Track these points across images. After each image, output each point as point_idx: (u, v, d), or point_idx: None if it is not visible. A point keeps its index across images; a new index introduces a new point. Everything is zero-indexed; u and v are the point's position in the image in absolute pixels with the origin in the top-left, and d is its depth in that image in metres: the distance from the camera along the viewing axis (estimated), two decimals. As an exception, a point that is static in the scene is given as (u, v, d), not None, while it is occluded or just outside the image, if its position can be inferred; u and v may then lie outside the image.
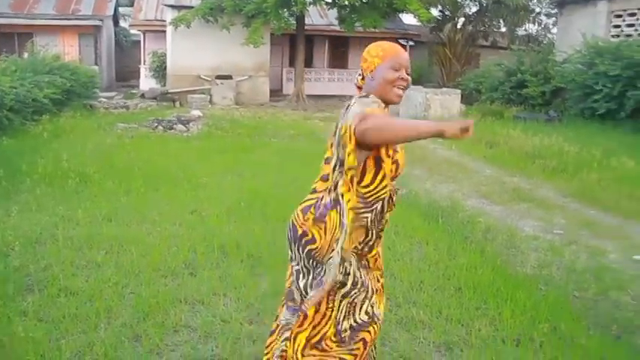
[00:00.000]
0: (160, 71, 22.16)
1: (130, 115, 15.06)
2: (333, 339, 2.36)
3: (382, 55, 2.34)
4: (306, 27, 21.20)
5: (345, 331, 2.36)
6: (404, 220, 5.60)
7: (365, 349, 2.40)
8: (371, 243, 2.39)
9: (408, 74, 2.35)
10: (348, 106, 2.25)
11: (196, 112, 14.64)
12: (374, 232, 2.38)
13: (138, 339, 3.36)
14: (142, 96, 18.98)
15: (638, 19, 14.80)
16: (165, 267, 4.44)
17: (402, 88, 2.33)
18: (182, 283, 4.18)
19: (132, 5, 26.64)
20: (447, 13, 25.72)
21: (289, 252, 2.46)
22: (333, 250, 2.26)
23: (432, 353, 3.34)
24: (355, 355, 2.38)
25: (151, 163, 8.37)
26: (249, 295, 3.95)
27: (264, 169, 8.31)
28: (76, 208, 5.91)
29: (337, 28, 21.55)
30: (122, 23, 29.61)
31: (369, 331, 2.40)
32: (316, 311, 2.35)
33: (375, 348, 2.63)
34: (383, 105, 2.31)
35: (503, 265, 4.79)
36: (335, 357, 2.37)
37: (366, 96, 2.30)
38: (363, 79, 2.41)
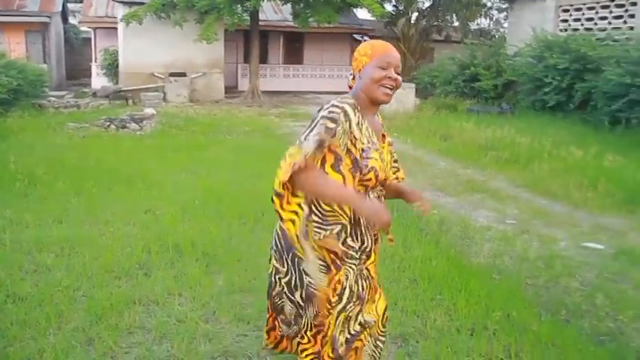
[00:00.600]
0: (112, 69, 21.68)
1: (81, 114, 14.70)
2: (331, 355, 2.32)
3: (370, 54, 2.28)
4: (260, 23, 21.09)
5: (342, 345, 2.33)
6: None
7: (357, 354, 2.41)
8: (368, 249, 2.34)
9: (397, 73, 2.28)
10: (321, 108, 2.21)
11: (150, 111, 14.39)
12: (369, 237, 2.33)
13: (91, 343, 3.28)
14: (94, 95, 18.53)
15: (583, 14, 15.20)
16: (119, 268, 4.34)
17: (389, 87, 2.26)
18: (136, 283, 4.10)
19: (81, 1, 25.98)
20: (400, 7, 25.95)
21: (274, 262, 2.38)
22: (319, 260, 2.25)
23: (389, 345, 3.36)
24: None
25: (104, 163, 8.19)
26: (205, 294, 3.91)
27: (219, 167, 8.23)
28: (24, 210, 5.74)
29: (292, 23, 21.48)
30: (72, 20, 28.81)
31: (360, 340, 2.40)
32: (318, 331, 2.31)
33: (378, 349, 2.56)
34: (351, 115, 2.19)
35: (457, 256, 4.87)
36: None
37: (341, 105, 2.20)
38: (354, 78, 2.37)
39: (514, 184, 7.92)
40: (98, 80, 22.31)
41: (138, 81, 19.19)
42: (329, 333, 2.30)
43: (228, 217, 5.59)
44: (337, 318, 2.30)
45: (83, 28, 27.02)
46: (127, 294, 3.89)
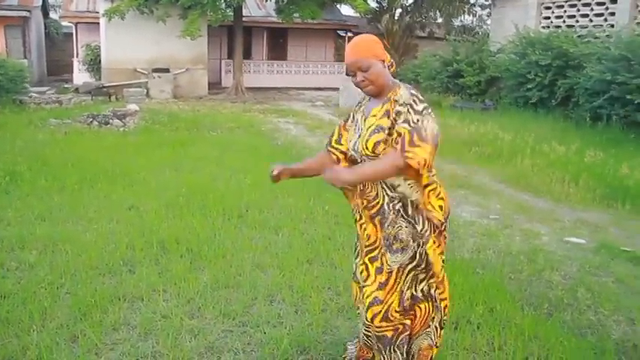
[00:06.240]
0: (94, 65, 21.52)
1: (63, 110, 14.54)
2: (397, 309, 2.56)
3: None
4: (244, 18, 21.02)
5: (408, 300, 2.60)
6: (343, 211, 5.63)
7: (414, 320, 2.66)
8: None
9: (363, 70, 2.46)
10: None
11: (133, 107, 14.30)
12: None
13: (75, 340, 3.27)
14: (76, 90, 18.37)
15: (565, 11, 15.34)
16: (103, 265, 4.33)
17: (364, 86, 2.50)
18: (120, 280, 4.09)
19: (62, -4, 25.71)
20: (384, 4, 25.98)
21: None
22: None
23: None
24: (411, 319, 2.65)
25: (86, 160, 8.12)
26: (190, 290, 3.90)
27: (203, 163, 8.19)
28: (5, 207, 5.69)
29: (275, 19, 21.44)
30: (52, 15, 28.54)
31: (420, 307, 2.65)
32: (385, 284, 2.54)
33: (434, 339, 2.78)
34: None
35: (441, 251, 4.89)
36: (398, 325, 2.60)
37: None
38: None
39: (497, 179, 7.98)
40: (80, 76, 22.14)
41: (121, 77, 19.02)
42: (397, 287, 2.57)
43: (213, 214, 5.57)
44: (407, 275, 2.57)
45: (64, 23, 26.72)
46: (112, 290, 3.88)
